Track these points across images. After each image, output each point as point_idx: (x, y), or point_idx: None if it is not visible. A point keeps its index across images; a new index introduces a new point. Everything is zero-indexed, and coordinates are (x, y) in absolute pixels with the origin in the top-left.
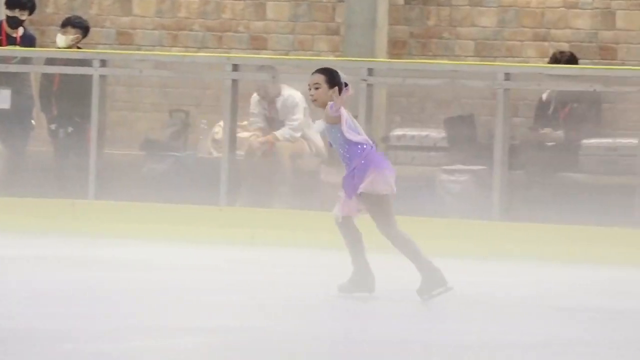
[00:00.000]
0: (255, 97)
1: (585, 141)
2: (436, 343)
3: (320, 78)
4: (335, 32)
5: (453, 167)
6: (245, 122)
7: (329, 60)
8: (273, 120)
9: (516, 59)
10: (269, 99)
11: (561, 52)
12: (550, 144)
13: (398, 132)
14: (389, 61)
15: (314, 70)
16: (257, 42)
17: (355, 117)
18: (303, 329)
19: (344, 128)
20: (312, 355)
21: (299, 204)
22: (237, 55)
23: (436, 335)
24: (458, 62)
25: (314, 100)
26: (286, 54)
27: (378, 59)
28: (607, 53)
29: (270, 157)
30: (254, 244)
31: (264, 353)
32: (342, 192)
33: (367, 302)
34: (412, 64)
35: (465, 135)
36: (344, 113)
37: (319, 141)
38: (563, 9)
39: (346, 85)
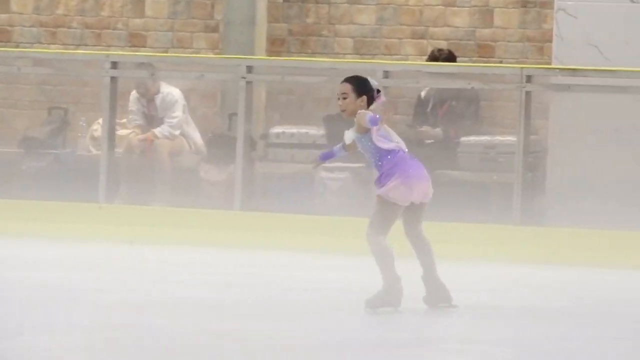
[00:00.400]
0: (134, 94)
1: (463, 138)
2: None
3: (347, 87)
4: (214, 29)
5: (332, 164)
6: (124, 120)
7: (208, 57)
8: (152, 118)
9: (395, 56)
10: (148, 97)
11: (439, 50)
12: (429, 141)
13: (277, 129)
14: (268, 59)
15: (342, 79)
16: (136, 40)
17: (235, 114)
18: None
19: (375, 136)
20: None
21: (179, 201)
22: (116, 53)
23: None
24: (337, 60)
25: (343, 111)
26: (165, 52)
27: (257, 57)
28: (484, 51)
29: (149, 155)
30: (133, 242)
31: (140, 350)
32: None
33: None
34: (291, 61)
35: (344, 132)
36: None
37: (197, 139)
38: (441, 7)
39: (378, 91)
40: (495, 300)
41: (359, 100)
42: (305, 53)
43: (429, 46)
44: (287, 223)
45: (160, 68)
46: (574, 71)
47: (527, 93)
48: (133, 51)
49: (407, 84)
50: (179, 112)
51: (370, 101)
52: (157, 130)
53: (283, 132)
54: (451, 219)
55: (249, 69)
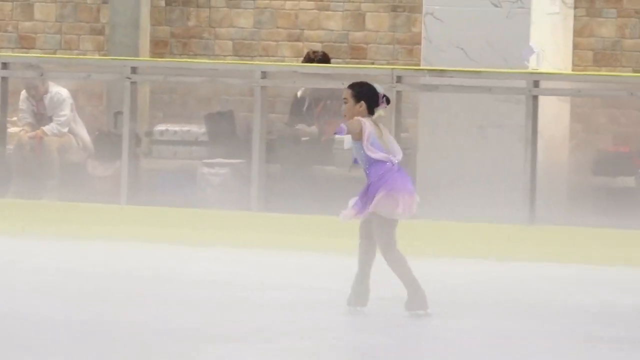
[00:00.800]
0: (24, 94)
1: (337, 136)
2: None
3: (347, 93)
4: (100, 32)
5: (213, 160)
6: (14, 118)
7: (94, 58)
8: (41, 116)
9: (272, 58)
10: (37, 96)
11: (314, 52)
12: (304, 138)
13: (161, 127)
14: (152, 60)
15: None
16: (26, 42)
17: (120, 113)
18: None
19: (365, 144)
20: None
21: (68, 196)
22: (6, 55)
23: None
24: (217, 61)
25: (344, 116)
26: (53, 53)
27: (141, 58)
28: (357, 52)
29: (38, 151)
30: (24, 235)
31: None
32: (354, 200)
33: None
34: (173, 62)
35: (225, 130)
36: (368, 129)
37: (85, 136)
38: (316, 11)
39: (384, 97)
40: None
41: (358, 105)
42: (187, 55)
43: (305, 48)
44: (171, 216)
45: (48, 69)
46: (441, 72)
47: (398, 93)
48: (23, 52)
49: (284, 84)
50: (66, 111)
51: (372, 106)
52: (46, 128)
53: (166, 130)
54: (325, 213)
55: (134, 69)
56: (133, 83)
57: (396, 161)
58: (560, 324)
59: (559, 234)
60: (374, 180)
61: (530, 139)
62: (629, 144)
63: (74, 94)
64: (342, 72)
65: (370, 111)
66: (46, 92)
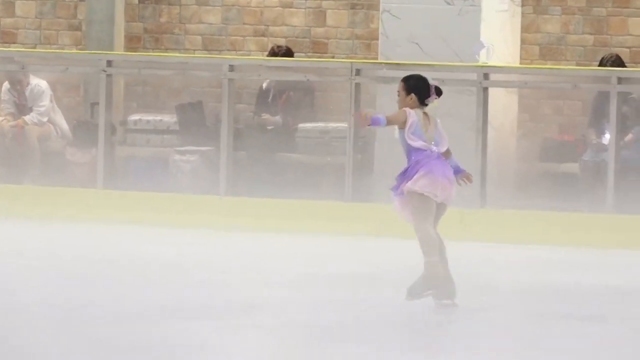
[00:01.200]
0: (6, 85)
1: (300, 125)
2: None
3: (400, 85)
4: (78, 28)
5: (184, 148)
6: None
7: (72, 52)
8: (22, 107)
9: (239, 52)
10: (19, 88)
11: (278, 47)
12: (270, 127)
13: (135, 117)
14: (126, 54)
15: None
16: (7, 37)
17: (96, 104)
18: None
19: (406, 133)
20: None
21: (47, 181)
22: None
23: None
24: (188, 55)
25: (400, 107)
26: (33, 48)
27: (116, 52)
28: (319, 47)
29: (20, 139)
30: (7, 218)
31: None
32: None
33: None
34: (146, 56)
35: (194, 119)
36: (411, 119)
37: (63, 125)
38: (280, 8)
39: (437, 89)
40: (331, 268)
41: (409, 97)
42: (159, 49)
43: (269, 43)
44: (144, 200)
45: (29, 62)
46: (397, 65)
47: (357, 85)
48: (4, 47)
49: (250, 77)
50: (46, 102)
51: (423, 98)
52: (27, 118)
53: (140, 119)
54: (290, 197)
55: (109, 63)
56: (108, 76)
57: (435, 149)
58: (510, 302)
59: (508, 216)
60: (412, 164)
61: (481, 128)
62: (573, 133)
63: (53, 85)
64: (304, 66)
65: (422, 102)
66: (27, 84)
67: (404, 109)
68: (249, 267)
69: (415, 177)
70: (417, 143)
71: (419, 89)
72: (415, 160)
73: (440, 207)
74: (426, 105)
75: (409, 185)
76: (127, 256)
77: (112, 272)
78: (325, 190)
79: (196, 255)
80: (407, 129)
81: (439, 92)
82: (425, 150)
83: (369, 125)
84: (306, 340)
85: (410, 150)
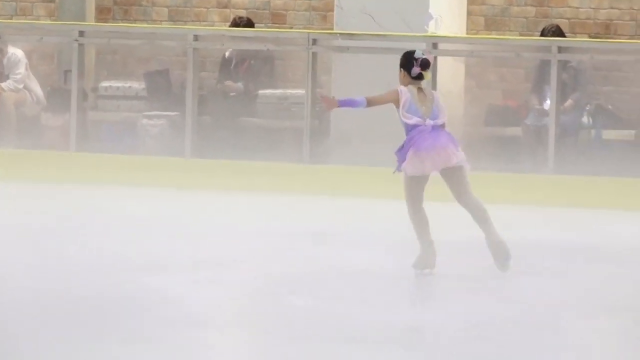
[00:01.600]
0: None
1: (261, 92)
2: None
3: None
4: (51, 0)
5: (152, 113)
6: None
7: (46, 23)
8: (0, 74)
9: (203, 23)
10: None
11: (240, 18)
12: (232, 94)
13: (105, 84)
14: (97, 25)
15: None
16: None
17: (69, 71)
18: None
19: (401, 112)
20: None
21: (23, 144)
22: None
23: None
24: (155, 26)
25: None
26: (10, 19)
27: (87, 23)
28: (277, 18)
29: None
30: None
31: None
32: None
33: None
34: (116, 27)
35: (161, 86)
36: (404, 97)
37: (38, 91)
38: None
39: (422, 61)
40: (290, 226)
41: (401, 74)
42: (128, 20)
43: (231, 14)
44: (114, 162)
45: (6, 33)
46: (351, 35)
47: (313, 54)
48: None
49: (214, 46)
50: (22, 70)
51: (410, 73)
52: (4, 85)
53: (110, 86)
54: (251, 159)
55: (81, 33)
56: (80, 45)
57: (431, 122)
58: (459, 259)
59: None
60: (407, 141)
61: None
62: (517, 99)
63: (29, 54)
64: (264, 36)
65: (412, 77)
66: (5, 53)
67: (396, 88)
68: (213, 224)
69: (407, 157)
70: (412, 120)
71: (405, 64)
72: (409, 137)
73: (452, 174)
74: (416, 79)
75: (403, 166)
76: (98, 213)
77: (84, 228)
78: (284, 153)
79: (163, 213)
80: (400, 107)
81: (423, 64)
82: (419, 126)
83: (338, 107)
84: (265, 293)
85: (407, 128)
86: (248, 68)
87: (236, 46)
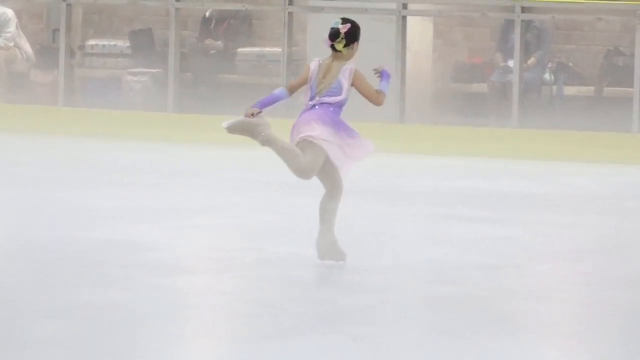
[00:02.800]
0: None
1: (240, 49)
2: None
3: None
4: None
5: (136, 70)
6: None
7: None
8: None
9: None
10: None
11: None
12: (212, 51)
13: (92, 42)
14: None
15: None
16: None
17: (57, 30)
18: None
19: (307, 88)
20: None
21: (14, 99)
22: None
23: None
24: None
25: None
26: None
27: None
28: None
29: None
30: None
31: None
32: None
33: None
34: None
35: (145, 44)
36: (312, 71)
37: (28, 49)
38: None
39: (331, 32)
40: (266, 176)
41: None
42: None
43: None
44: (100, 117)
45: None
46: None
47: (289, 13)
48: None
49: (195, 6)
50: (12, 28)
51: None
52: None
53: (96, 44)
54: (232, 114)
55: None
56: (68, 5)
57: (310, 103)
58: (418, 204)
59: (424, 131)
60: None
61: (400, 52)
62: (482, 56)
63: (19, 14)
64: None
65: (334, 49)
66: None
67: (309, 63)
68: (193, 175)
69: None
70: (306, 97)
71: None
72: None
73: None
74: (333, 50)
75: None
76: (84, 163)
77: (70, 176)
78: None
79: (146, 164)
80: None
81: (330, 35)
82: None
83: (260, 111)
84: (241, 239)
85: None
86: (227, 27)
87: (216, 6)
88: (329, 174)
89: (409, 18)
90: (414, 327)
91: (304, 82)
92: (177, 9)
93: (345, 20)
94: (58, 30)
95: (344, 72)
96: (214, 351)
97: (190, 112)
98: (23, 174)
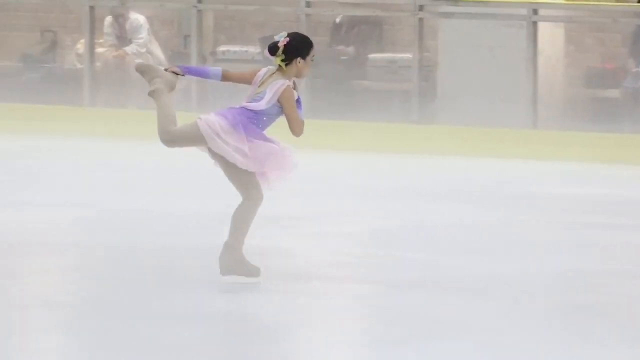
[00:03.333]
0: (108, 19)
1: (370, 55)
2: None
3: None
4: None
5: None
6: (101, 40)
7: None
8: (123, 39)
9: None
10: (120, 22)
11: None
12: (343, 57)
13: (223, 48)
14: None
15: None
16: None
17: (189, 36)
18: None
19: None
20: None
21: (147, 104)
22: None
23: None
24: None
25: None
26: None
27: None
28: None
29: (121, 68)
30: (114, 137)
31: None
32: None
33: None
34: None
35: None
36: (259, 77)
37: (160, 55)
38: None
39: (269, 46)
40: (402, 182)
41: None
42: None
43: None
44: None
45: None
46: (456, 1)
47: (420, 19)
48: None
49: (325, 12)
50: (144, 34)
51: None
52: (127, 48)
53: (228, 50)
54: (363, 120)
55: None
56: (199, 11)
57: (235, 105)
58: (559, 213)
59: (557, 137)
60: None
61: (531, 58)
62: (614, 62)
63: (150, 20)
64: (373, 2)
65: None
66: (127, 18)
67: (261, 67)
68: (324, 180)
69: None
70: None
71: None
72: None
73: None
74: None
75: None
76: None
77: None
78: (394, 114)
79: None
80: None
81: (269, 49)
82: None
83: (178, 74)
84: (375, 245)
85: None
86: (358, 33)
87: (347, 12)
88: (235, 178)
89: (539, 24)
90: (552, 334)
91: (241, 78)
92: (307, 15)
93: (290, 35)
94: (189, 36)
95: (274, 85)
96: (351, 358)
97: (322, 118)
98: (181, 182)
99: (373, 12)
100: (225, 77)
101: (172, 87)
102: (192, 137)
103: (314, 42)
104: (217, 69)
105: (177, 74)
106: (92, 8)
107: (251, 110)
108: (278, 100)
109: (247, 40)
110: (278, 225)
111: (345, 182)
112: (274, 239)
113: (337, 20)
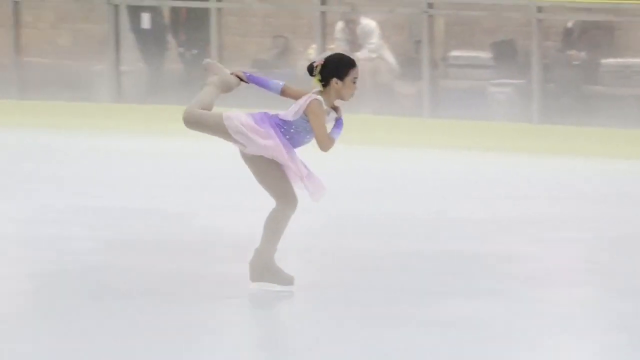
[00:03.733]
0: (340, 24)
1: (603, 60)
2: None
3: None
4: None
5: (499, 81)
6: (332, 45)
7: None
8: (354, 44)
9: None
10: (351, 27)
11: None
12: (575, 62)
13: (455, 53)
14: None
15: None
16: None
17: (420, 41)
18: None
19: None
20: None
21: (379, 110)
22: None
23: None
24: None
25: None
26: None
27: None
28: None
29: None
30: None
31: None
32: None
33: None
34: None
35: (507, 56)
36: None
37: (391, 60)
38: None
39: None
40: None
41: None
42: None
43: None
44: (462, 127)
45: (359, 4)
46: None
47: None
48: None
49: (556, 17)
50: (375, 39)
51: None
52: (358, 54)
53: (460, 56)
54: (595, 125)
55: (430, 5)
56: (430, 16)
57: (269, 113)
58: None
59: None
60: None
61: None
62: None
63: (381, 25)
64: (605, 7)
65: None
66: (358, 24)
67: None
68: (554, 186)
69: None
70: None
71: None
72: None
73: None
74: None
75: None
76: (433, 174)
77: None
78: (629, 119)
79: (502, 175)
80: None
81: (308, 69)
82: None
83: (241, 80)
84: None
85: None
86: (590, 38)
87: (578, 17)
88: (267, 183)
89: None
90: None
91: (298, 95)
92: (539, 20)
93: (330, 56)
94: (420, 41)
95: (305, 97)
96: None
97: (555, 122)
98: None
99: (606, 16)
100: (284, 92)
101: (227, 89)
102: (212, 126)
103: (545, 47)
104: (279, 82)
105: (241, 80)
106: (323, 13)
107: (281, 118)
108: (305, 114)
109: (478, 45)
110: (514, 231)
111: (579, 188)
112: (510, 244)
113: (569, 25)
